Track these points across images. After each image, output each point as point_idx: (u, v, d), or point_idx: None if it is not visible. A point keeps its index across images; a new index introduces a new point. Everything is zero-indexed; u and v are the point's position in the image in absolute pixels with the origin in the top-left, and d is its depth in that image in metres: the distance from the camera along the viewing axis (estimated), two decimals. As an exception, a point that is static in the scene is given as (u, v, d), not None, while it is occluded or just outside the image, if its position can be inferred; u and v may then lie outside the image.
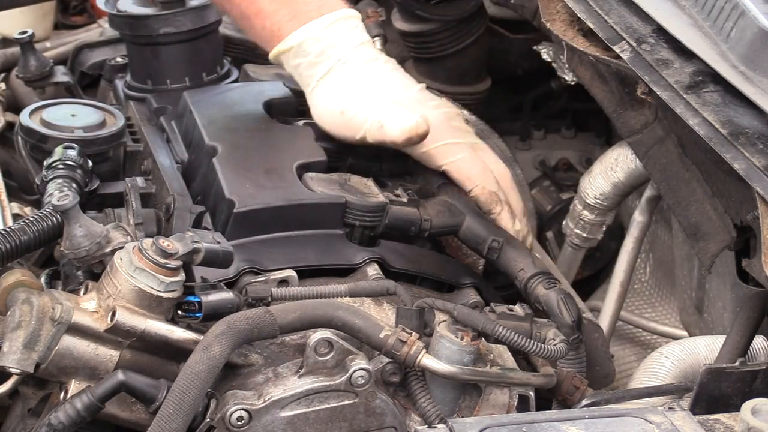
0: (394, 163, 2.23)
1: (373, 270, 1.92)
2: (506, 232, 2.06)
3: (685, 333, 2.37)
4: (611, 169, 2.31)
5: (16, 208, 2.09)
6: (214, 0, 2.31)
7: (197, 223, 1.97)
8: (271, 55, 2.11)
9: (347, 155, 2.18)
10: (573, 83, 2.13)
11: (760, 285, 1.71)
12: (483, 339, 1.74)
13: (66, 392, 1.71)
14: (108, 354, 1.72)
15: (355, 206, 1.98)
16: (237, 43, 2.54)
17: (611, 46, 1.83)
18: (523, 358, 1.91)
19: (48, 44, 2.93)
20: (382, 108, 2.04)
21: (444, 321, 1.75)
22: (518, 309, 1.86)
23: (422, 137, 2.02)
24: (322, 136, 2.17)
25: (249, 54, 2.54)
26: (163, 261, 1.71)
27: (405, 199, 2.06)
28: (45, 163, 2.02)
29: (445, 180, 2.16)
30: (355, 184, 2.03)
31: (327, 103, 2.08)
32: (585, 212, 2.36)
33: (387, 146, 2.06)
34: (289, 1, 2.08)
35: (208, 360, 1.62)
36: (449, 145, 2.09)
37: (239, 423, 1.67)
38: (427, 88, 2.70)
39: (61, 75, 2.56)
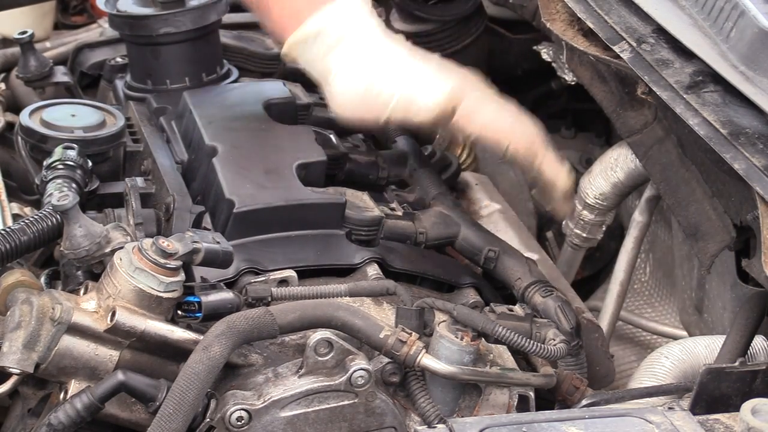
0: (391, 170, 2.23)
1: (373, 270, 1.92)
2: (502, 241, 2.06)
3: (685, 333, 2.36)
4: (611, 169, 2.31)
5: (16, 208, 2.09)
6: None
7: (197, 223, 1.97)
8: (287, 45, 2.01)
9: (345, 162, 2.18)
10: (573, 83, 2.13)
11: (760, 285, 1.71)
12: (483, 339, 1.74)
13: (66, 392, 1.71)
14: (108, 354, 1.72)
15: (351, 220, 1.98)
16: (234, 51, 2.54)
17: (611, 46, 1.82)
18: (523, 358, 1.91)
19: (48, 44, 2.92)
20: (411, 81, 1.94)
21: (444, 321, 1.75)
22: (518, 309, 1.86)
23: (453, 113, 1.94)
24: (322, 140, 2.16)
25: (246, 62, 2.54)
26: (163, 261, 1.71)
27: (400, 213, 2.07)
28: (45, 163, 2.02)
29: (442, 189, 2.17)
30: (350, 198, 2.03)
31: (350, 83, 1.96)
32: (585, 212, 2.36)
33: (412, 125, 1.98)
34: None
35: (207, 360, 1.62)
36: (475, 103, 1.99)
37: (239, 423, 1.67)
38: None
39: (61, 75, 2.56)
